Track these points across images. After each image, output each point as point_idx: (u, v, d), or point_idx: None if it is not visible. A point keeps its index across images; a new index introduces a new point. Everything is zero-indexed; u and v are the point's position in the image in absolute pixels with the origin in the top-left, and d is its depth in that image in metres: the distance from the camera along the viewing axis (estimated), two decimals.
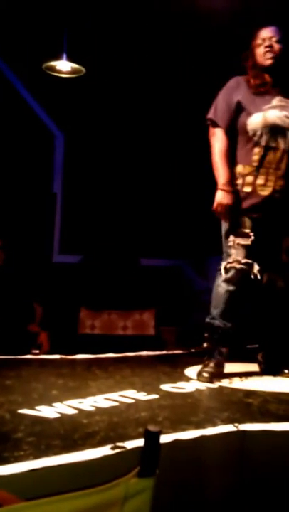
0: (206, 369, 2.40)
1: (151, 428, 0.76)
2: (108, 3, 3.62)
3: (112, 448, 1.33)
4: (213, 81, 2.61)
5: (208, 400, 2.00)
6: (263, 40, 2.42)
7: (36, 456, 1.27)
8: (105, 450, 1.33)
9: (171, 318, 4.95)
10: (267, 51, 2.40)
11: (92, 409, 1.75)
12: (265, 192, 2.40)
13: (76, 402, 1.82)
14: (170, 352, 3.47)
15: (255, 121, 2.40)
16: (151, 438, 0.75)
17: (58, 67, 4.08)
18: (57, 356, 2.91)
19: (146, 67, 4.28)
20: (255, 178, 2.41)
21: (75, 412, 1.71)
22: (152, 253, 5.25)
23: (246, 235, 2.43)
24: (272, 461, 1.56)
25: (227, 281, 2.45)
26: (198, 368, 2.60)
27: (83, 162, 5.37)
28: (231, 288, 2.46)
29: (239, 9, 3.38)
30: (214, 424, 1.59)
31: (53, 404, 1.79)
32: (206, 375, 2.36)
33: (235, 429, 1.56)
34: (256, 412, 1.84)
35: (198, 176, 2.94)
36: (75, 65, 4.04)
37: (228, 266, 2.44)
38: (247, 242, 2.42)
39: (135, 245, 5.26)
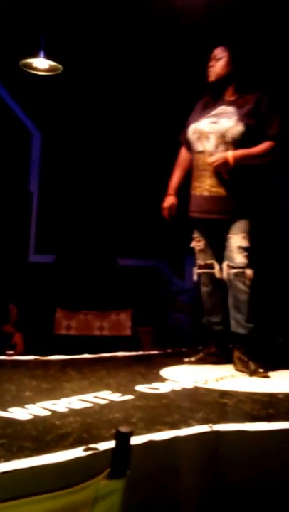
0: (196, 355, 2.77)
1: (122, 429, 0.75)
2: (86, 1, 3.60)
3: (85, 449, 1.31)
4: (193, 81, 2.71)
5: (183, 401, 1.99)
6: (209, 60, 2.70)
7: (8, 459, 1.25)
8: (78, 452, 1.31)
9: (147, 319, 4.94)
10: (207, 70, 2.69)
11: (66, 410, 1.73)
12: (197, 192, 2.68)
13: (49, 404, 1.80)
14: (146, 352, 3.46)
15: (189, 132, 2.73)
16: (122, 439, 0.74)
17: (35, 65, 4.03)
18: (31, 357, 2.87)
19: (125, 65, 4.27)
20: (194, 181, 2.70)
21: (48, 413, 1.69)
22: (129, 253, 5.24)
23: (195, 240, 2.75)
24: (247, 461, 1.57)
25: (201, 283, 2.79)
26: (174, 368, 2.61)
27: (60, 161, 5.32)
28: (204, 289, 2.79)
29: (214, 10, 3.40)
30: (188, 425, 1.58)
31: (26, 405, 1.76)
32: (186, 359, 2.75)
33: (209, 429, 1.56)
34: (231, 412, 1.85)
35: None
36: (53, 63, 4.01)
37: (196, 271, 2.79)
38: (198, 245, 2.74)
39: (112, 245, 5.24)
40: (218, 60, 2.65)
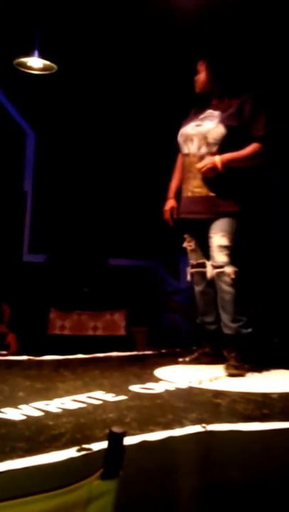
0: (190, 355, 2.79)
1: (115, 429, 0.74)
2: (81, 0, 3.59)
3: (78, 450, 1.31)
4: (192, 81, 2.74)
5: (177, 401, 1.99)
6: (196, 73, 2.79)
7: (0, 459, 1.24)
8: (71, 452, 1.30)
9: (142, 319, 4.94)
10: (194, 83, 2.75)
11: (59, 410, 1.72)
12: (184, 194, 2.75)
13: (43, 404, 1.79)
14: (140, 353, 3.46)
15: (178, 136, 2.79)
16: (115, 439, 0.74)
17: (29, 64, 4.02)
18: (24, 357, 2.86)
19: (119, 65, 4.26)
20: (183, 183, 2.77)
21: (42, 414, 1.68)
22: (124, 253, 5.24)
23: (186, 240, 2.80)
24: (240, 462, 1.57)
25: (194, 283, 2.82)
26: (168, 368, 2.61)
27: (54, 160, 5.31)
28: (197, 288, 2.82)
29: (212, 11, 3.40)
30: (182, 425, 1.58)
31: (19, 406, 1.75)
32: (180, 359, 2.76)
33: (203, 429, 1.56)
34: (224, 412, 1.84)
35: (169, 176, 2.99)
36: (47, 62, 3.99)
37: (189, 271, 2.83)
38: (189, 246, 2.79)
39: (106, 245, 5.23)
40: (200, 72, 2.75)
